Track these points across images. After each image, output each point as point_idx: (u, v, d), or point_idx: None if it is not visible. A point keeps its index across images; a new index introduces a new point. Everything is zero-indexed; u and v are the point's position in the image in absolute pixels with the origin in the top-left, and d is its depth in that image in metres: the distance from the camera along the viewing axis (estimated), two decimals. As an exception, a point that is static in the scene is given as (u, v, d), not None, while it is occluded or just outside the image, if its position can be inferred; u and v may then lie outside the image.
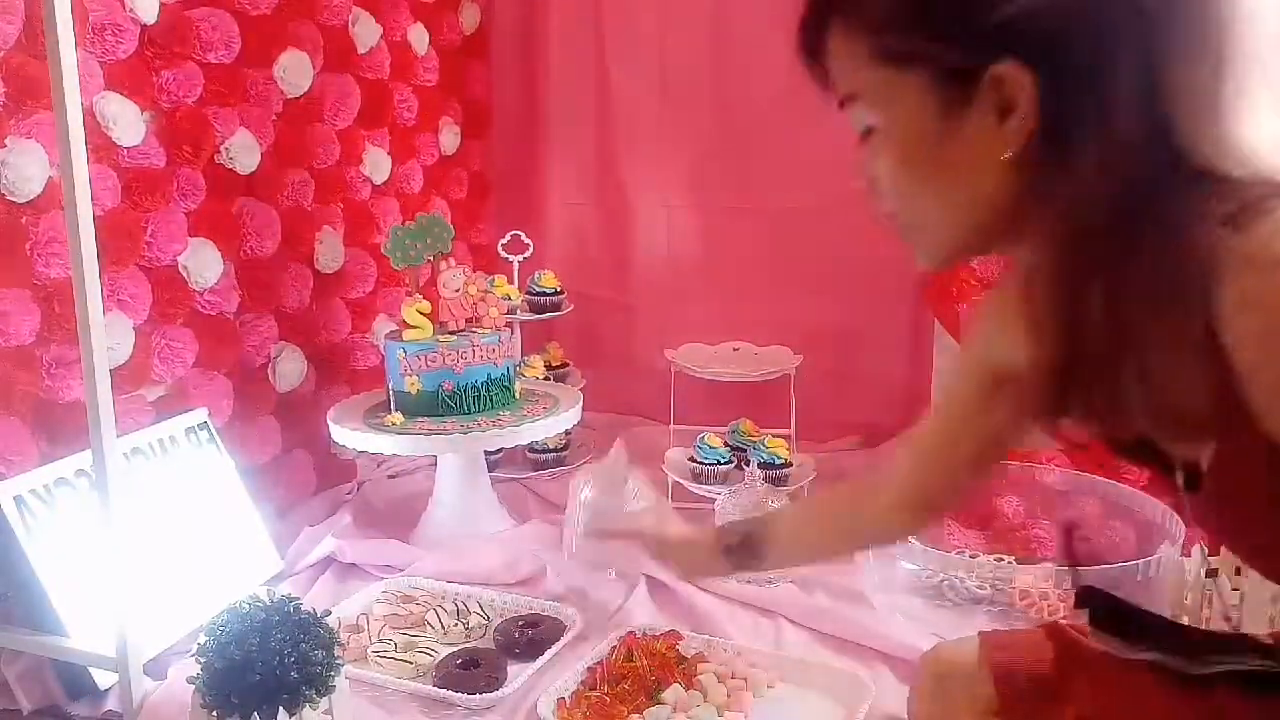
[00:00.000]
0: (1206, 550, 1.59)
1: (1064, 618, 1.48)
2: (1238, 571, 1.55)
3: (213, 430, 1.77)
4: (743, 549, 1.02)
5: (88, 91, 1.54)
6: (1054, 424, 0.76)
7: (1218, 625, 1.54)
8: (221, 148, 1.84)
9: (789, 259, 2.55)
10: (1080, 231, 0.63)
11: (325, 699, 1.16)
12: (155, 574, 1.49)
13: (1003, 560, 1.61)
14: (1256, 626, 1.52)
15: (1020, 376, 0.75)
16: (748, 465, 1.84)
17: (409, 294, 1.96)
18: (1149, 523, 1.64)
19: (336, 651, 1.18)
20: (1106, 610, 0.80)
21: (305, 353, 2.09)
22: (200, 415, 1.76)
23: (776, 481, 1.99)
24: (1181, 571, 1.50)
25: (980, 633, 0.89)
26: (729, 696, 1.36)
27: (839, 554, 1.40)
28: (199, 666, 1.13)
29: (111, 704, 1.39)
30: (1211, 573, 1.55)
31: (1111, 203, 0.61)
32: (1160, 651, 0.76)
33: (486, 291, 2.02)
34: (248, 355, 1.94)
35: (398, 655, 1.46)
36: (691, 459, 2.09)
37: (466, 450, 1.92)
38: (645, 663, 1.40)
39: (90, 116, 1.55)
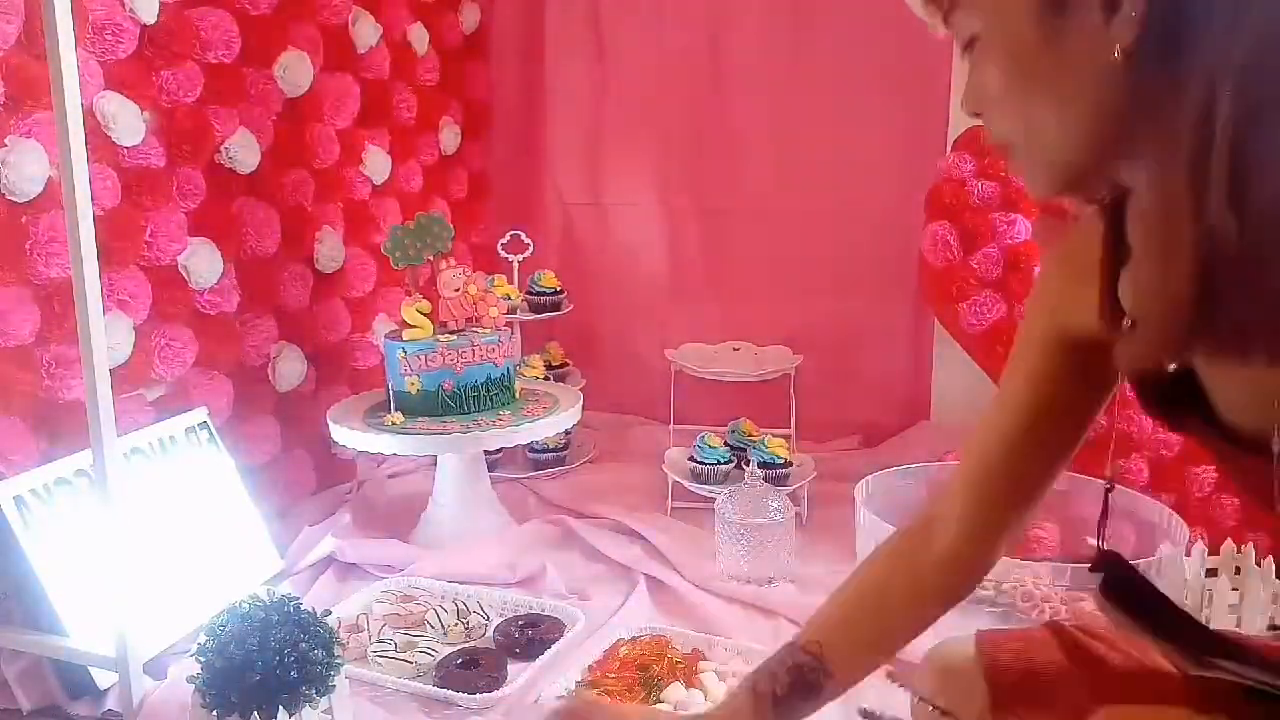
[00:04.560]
0: (1206, 551, 1.59)
1: (1066, 617, 1.49)
2: (1236, 571, 1.56)
3: (212, 430, 1.77)
4: (797, 691, 0.85)
5: (88, 91, 1.54)
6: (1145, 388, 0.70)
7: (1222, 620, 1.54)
8: (221, 147, 1.84)
9: (789, 259, 2.56)
10: (1201, 147, 0.57)
11: (325, 698, 1.16)
12: (155, 573, 1.49)
13: (1004, 560, 1.61)
14: (1256, 626, 1.52)
15: (1098, 341, 0.70)
16: (748, 465, 1.84)
17: (409, 294, 1.96)
18: (1149, 523, 1.63)
19: (336, 651, 1.18)
20: (1120, 581, 0.76)
21: (305, 352, 2.09)
22: (200, 415, 1.76)
23: (776, 481, 1.99)
24: (1181, 571, 1.50)
25: (977, 631, 0.88)
26: (729, 696, 1.36)
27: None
28: (199, 666, 1.14)
29: (111, 704, 1.39)
30: (1211, 572, 1.55)
31: (1235, 119, 0.56)
32: (1164, 640, 0.73)
33: (486, 291, 2.02)
34: (247, 355, 1.93)
35: (398, 655, 1.46)
36: (691, 459, 2.08)
37: (466, 450, 1.92)
38: (653, 669, 1.40)
39: (90, 116, 1.55)
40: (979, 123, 0.73)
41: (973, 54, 0.68)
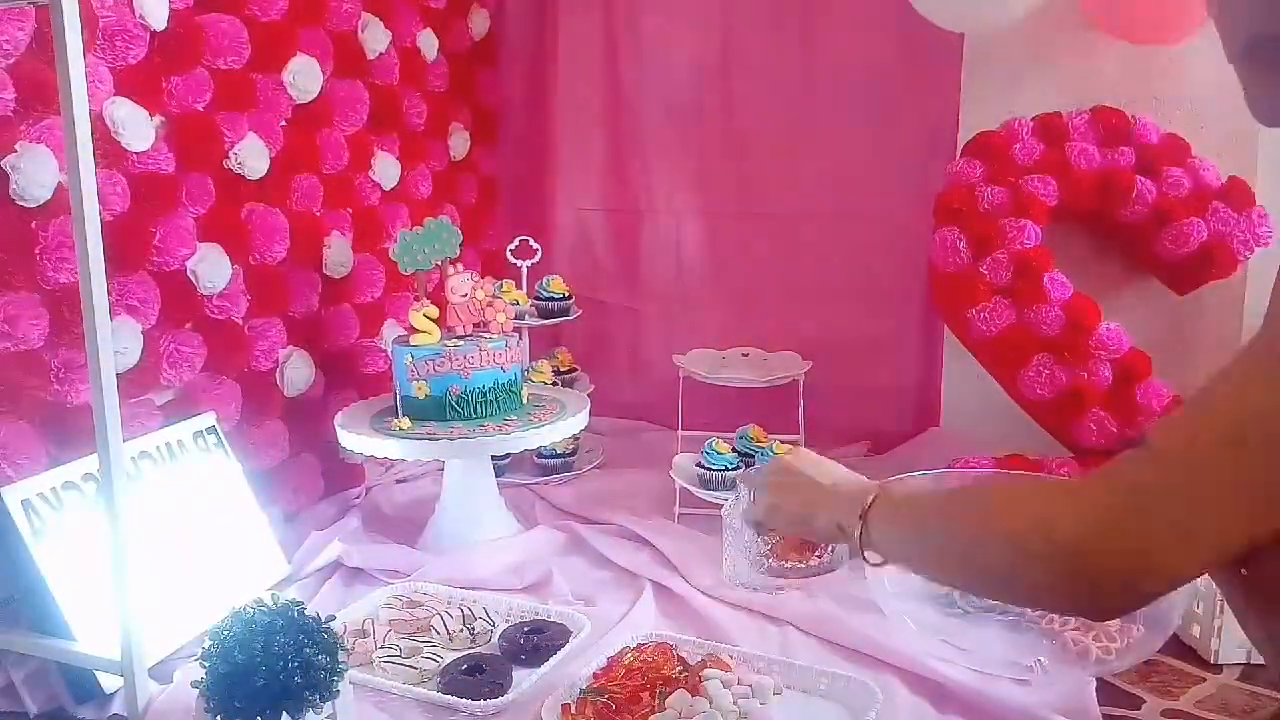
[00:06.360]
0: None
1: (1074, 628, 1.47)
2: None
3: (220, 434, 1.77)
4: None
5: (98, 97, 1.55)
6: None
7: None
8: (230, 153, 1.84)
9: (799, 264, 2.55)
10: None
11: (329, 704, 1.15)
12: (162, 578, 1.49)
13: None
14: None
15: None
16: (755, 471, 1.83)
17: (416, 299, 1.96)
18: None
19: (341, 656, 1.17)
20: None
21: (313, 358, 2.09)
22: (208, 419, 1.76)
23: (784, 488, 1.97)
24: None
25: None
26: (735, 704, 1.35)
27: None
28: (203, 671, 1.13)
29: (117, 708, 1.40)
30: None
31: None
32: None
33: (494, 296, 2.02)
34: (256, 360, 1.94)
35: (403, 660, 1.46)
36: (699, 465, 2.08)
37: (473, 455, 1.92)
38: (654, 675, 1.39)
39: (100, 122, 1.56)
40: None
41: None
